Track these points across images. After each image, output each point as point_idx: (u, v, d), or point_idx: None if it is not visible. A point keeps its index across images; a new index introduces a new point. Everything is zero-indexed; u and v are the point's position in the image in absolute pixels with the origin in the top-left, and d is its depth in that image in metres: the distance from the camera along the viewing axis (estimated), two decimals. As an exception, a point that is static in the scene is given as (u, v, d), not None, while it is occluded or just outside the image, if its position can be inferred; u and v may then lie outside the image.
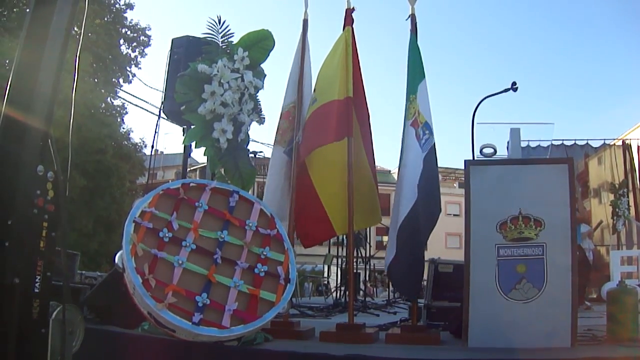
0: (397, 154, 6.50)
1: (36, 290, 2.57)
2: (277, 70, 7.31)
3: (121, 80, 30.67)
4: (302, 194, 6.53)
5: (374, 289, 24.63)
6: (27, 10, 2.83)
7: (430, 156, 6.03)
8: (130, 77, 30.61)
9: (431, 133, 6.11)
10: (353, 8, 6.90)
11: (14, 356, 2.47)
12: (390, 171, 52.52)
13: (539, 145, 16.47)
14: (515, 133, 6.17)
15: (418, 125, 6.10)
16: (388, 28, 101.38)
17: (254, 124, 6.16)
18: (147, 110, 35.28)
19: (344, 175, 6.35)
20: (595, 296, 13.57)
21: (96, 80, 28.07)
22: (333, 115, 6.33)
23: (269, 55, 6.14)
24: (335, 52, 6.71)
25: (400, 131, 6.44)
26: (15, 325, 2.49)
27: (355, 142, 6.54)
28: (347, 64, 6.50)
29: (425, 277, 7.73)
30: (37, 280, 2.58)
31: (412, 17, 6.65)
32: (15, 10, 23.78)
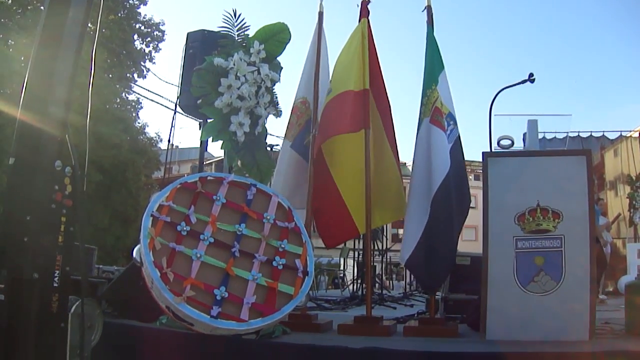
0: (412, 146, 6.48)
1: (55, 285, 2.58)
2: (293, 63, 7.29)
3: (135, 76, 30.82)
4: (323, 190, 6.51)
5: (390, 282, 24.60)
6: (42, 7, 2.84)
7: (456, 148, 6.00)
8: (145, 72, 30.74)
9: (455, 124, 6.08)
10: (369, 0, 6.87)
11: (34, 350, 2.48)
12: (405, 163, 52.31)
13: (554, 137, 16.45)
14: (532, 125, 6.14)
15: (443, 115, 6.07)
16: (404, 20, 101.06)
17: (271, 117, 6.15)
18: (162, 105, 35.61)
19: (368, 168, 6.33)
20: (612, 289, 13.50)
21: (111, 75, 28.18)
22: (348, 105, 6.30)
23: (285, 48, 6.13)
24: (351, 43, 6.69)
25: (415, 123, 6.43)
26: (35, 320, 2.50)
27: (378, 135, 6.55)
28: (364, 56, 6.47)
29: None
30: (56, 274, 2.59)
31: (428, 8, 6.64)
32: (29, 7, 23.87)
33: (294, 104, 7.08)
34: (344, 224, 6.44)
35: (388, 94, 6.80)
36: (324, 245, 6.63)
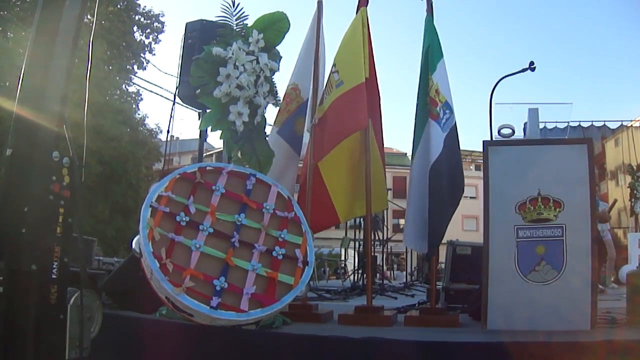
0: (411, 136, 6.47)
1: (54, 277, 2.57)
2: (293, 53, 7.25)
3: (135, 67, 30.86)
4: (312, 178, 6.49)
5: (391, 272, 24.62)
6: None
7: (452, 136, 5.97)
8: (145, 64, 30.76)
9: (452, 112, 6.05)
10: (367, -12, 6.84)
11: (33, 342, 2.47)
12: (406, 154, 52.24)
13: (555, 127, 16.40)
14: (533, 113, 6.10)
15: (437, 105, 6.06)
16: (403, 9, 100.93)
17: (270, 107, 6.14)
18: (162, 96, 35.65)
19: (355, 158, 6.32)
20: (612, 279, 13.48)
21: (110, 67, 28.25)
22: (361, 99, 6.26)
23: (284, 37, 6.10)
24: (355, 32, 6.64)
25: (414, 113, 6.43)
26: (34, 312, 2.49)
27: None
28: (364, 46, 6.44)
29: (443, 259, 7.73)
30: (54, 266, 2.58)
31: (428, -3, 6.61)
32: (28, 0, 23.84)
33: (285, 90, 7.05)
34: (324, 211, 6.42)
35: (379, 86, 6.80)
36: (322, 234, 6.61)
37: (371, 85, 6.58)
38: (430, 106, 6.09)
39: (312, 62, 6.97)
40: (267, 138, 6.23)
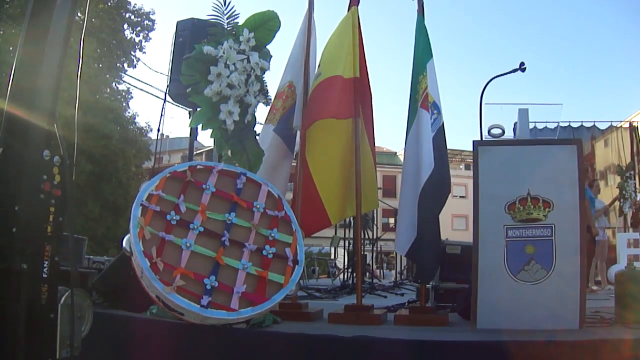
0: (403, 136, 6.47)
1: (44, 276, 2.56)
2: (283, 52, 7.24)
3: (126, 65, 30.78)
4: (302, 179, 6.48)
5: (381, 271, 24.60)
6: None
7: (439, 136, 5.99)
8: (135, 62, 30.69)
9: (439, 112, 6.07)
10: (359, -12, 6.83)
11: (23, 342, 2.47)
12: (396, 153, 52.33)
13: (545, 127, 16.47)
14: (523, 114, 6.12)
15: (427, 102, 6.06)
16: (394, 9, 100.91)
17: (261, 106, 6.13)
18: (153, 94, 35.55)
19: (345, 157, 6.30)
20: (599, 278, 13.53)
21: (101, 65, 28.17)
22: (336, 89, 6.26)
23: (275, 36, 6.10)
24: (341, 30, 6.64)
25: (406, 112, 6.43)
26: (24, 311, 2.48)
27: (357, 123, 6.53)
28: (354, 45, 6.44)
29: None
30: (45, 265, 2.57)
31: (419, -4, 6.61)
32: (17, -4, 23.73)
33: (279, 89, 7.00)
34: (316, 214, 6.40)
35: (370, 84, 6.79)
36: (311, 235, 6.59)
37: (362, 84, 6.58)
38: (422, 98, 6.10)
39: (312, 61, 6.94)
40: (257, 136, 6.22)
